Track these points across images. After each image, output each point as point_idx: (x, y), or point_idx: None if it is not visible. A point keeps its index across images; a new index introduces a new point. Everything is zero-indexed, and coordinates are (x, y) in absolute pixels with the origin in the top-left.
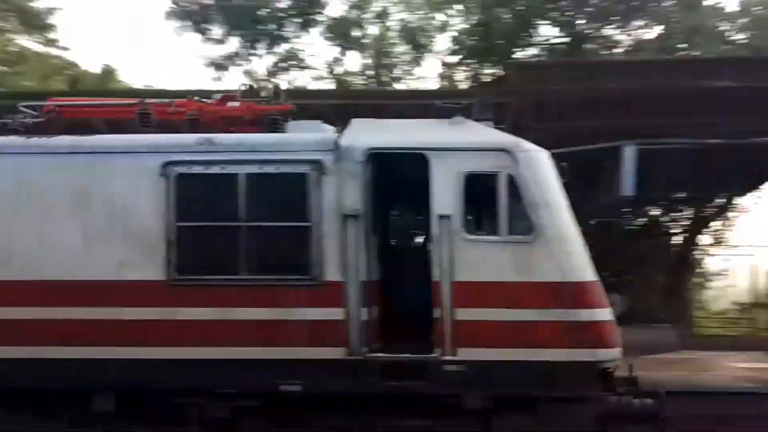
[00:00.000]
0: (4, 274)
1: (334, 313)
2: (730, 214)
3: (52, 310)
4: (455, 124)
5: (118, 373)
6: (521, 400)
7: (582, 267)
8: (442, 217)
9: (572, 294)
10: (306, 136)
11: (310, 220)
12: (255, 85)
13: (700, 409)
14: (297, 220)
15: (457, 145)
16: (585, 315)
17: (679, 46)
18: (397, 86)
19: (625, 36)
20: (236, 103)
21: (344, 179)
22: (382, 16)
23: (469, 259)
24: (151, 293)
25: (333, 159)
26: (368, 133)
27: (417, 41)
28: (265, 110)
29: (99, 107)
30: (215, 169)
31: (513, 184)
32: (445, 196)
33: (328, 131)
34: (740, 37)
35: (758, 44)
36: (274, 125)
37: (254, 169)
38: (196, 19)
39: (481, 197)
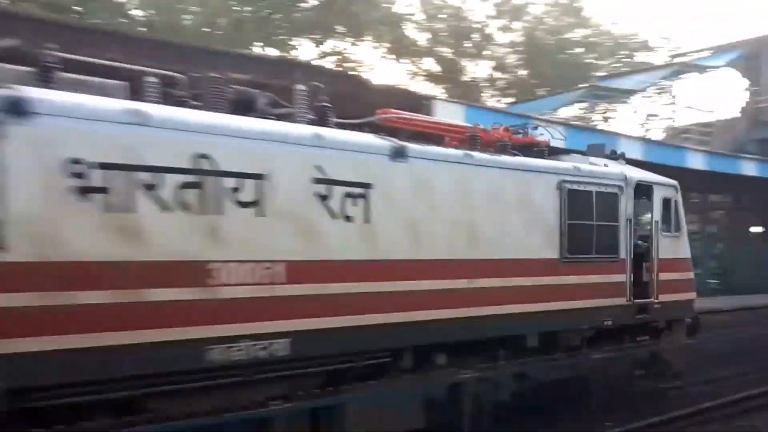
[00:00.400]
0: (476, 253)
1: (622, 277)
2: None
3: (510, 280)
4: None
5: (533, 322)
6: (668, 323)
7: (689, 249)
8: (656, 221)
9: (688, 264)
10: (613, 169)
11: (617, 221)
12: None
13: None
14: (612, 221)
15: (662, 182)
16: (691, 275)
17: (74, 8)
18: None
19: None
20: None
21: (627, 197)
22: None
23: (662, 246)
24: (551, 267)
25: (624, 185)
26: (628, 170)
27: None
28: (538, 143)
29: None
30: (581, 187)
31: (675, 204)
32: (657, 209)
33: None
34: (140, 13)
35: (161, 24)
36: (541, 154)
37: (595, 188)
38: None
39: (664, 211)
